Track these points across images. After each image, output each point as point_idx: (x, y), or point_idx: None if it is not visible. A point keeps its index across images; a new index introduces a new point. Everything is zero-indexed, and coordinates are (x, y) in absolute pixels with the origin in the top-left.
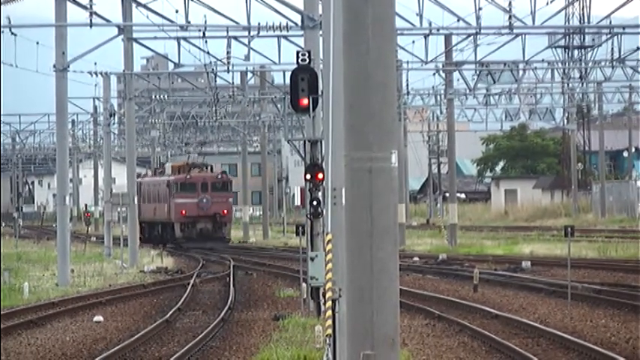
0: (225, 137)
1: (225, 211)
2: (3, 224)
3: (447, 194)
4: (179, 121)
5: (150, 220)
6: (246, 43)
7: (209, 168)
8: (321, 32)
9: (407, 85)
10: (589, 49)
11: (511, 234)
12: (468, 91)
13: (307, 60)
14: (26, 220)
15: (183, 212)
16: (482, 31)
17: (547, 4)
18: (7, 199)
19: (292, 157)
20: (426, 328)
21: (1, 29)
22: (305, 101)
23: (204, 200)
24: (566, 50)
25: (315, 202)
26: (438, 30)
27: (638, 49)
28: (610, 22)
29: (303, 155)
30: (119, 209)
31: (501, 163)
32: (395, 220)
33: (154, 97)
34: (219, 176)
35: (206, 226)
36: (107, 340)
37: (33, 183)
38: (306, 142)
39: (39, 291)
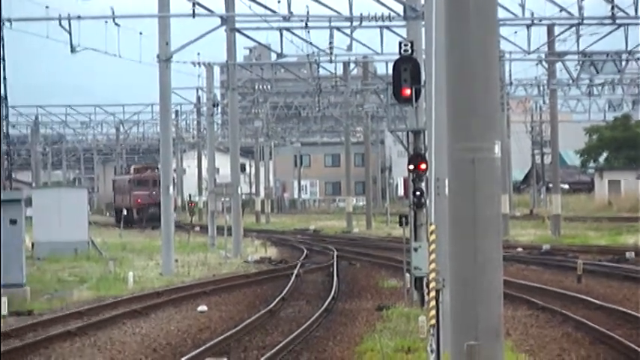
0: (329, 127)
1: None
2: (107, 214)
3: (551, 185)
4: (282, 112)
5: (120, 207)
6: (349, 33)
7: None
8: (423, 23)
9: (509, 75)
10: None
11: (615, 225)
12: (570, 81)
13: (410, 50)
14: None
15: (139, 201)
16: (585, 21)
17: None
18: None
19: (395, 147)
20: (529, 319)
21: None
22: (407, 91)
23: (154, 192)
24: None
25: (418, 193)
26: (540, 20)
27: None
28: None
29: (406, 145)
30: (223, 199)
31: (605, 154)
32: (498, 211)
33: (256, 87)
34: None
35: (155, 210)
36: (211, 330)
37: None
38: (409, 132)
39: (143, 280)
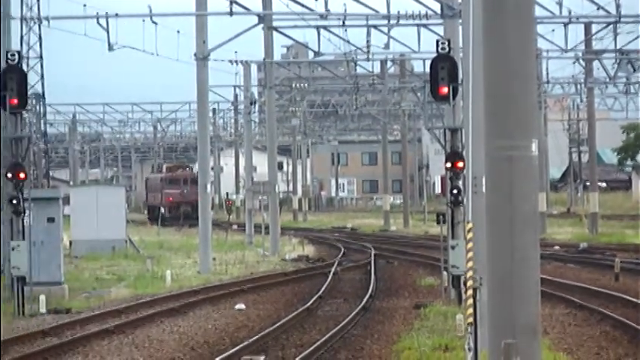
0: (366, 126)
1: None
2: (145, 212)
3: (588, 183)
4: (319, 110)
5: (152, 205)
6: (386, 31)
7: (192, 168)
8: (460, 21)
9: (547, 73)
10: None
11: None
12: (608, 79)
13: (447, 49)
14: None
15: (170, 199)
16: (623, 19)
17: None
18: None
19: (432, 145)
20: (567, 317)
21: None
22: (445, 89)
23: (185, 191)
24: None
25: (455, 191)
26: (577, 18)
27: None
28: None
29: (443, 144)
30: (260, 197)
31: None
32: (535, 209)
33: (294, 85)
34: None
35: (186, 209)
36: (249, 328)
37: None
38: (446, 130)
39: (181, 279)
